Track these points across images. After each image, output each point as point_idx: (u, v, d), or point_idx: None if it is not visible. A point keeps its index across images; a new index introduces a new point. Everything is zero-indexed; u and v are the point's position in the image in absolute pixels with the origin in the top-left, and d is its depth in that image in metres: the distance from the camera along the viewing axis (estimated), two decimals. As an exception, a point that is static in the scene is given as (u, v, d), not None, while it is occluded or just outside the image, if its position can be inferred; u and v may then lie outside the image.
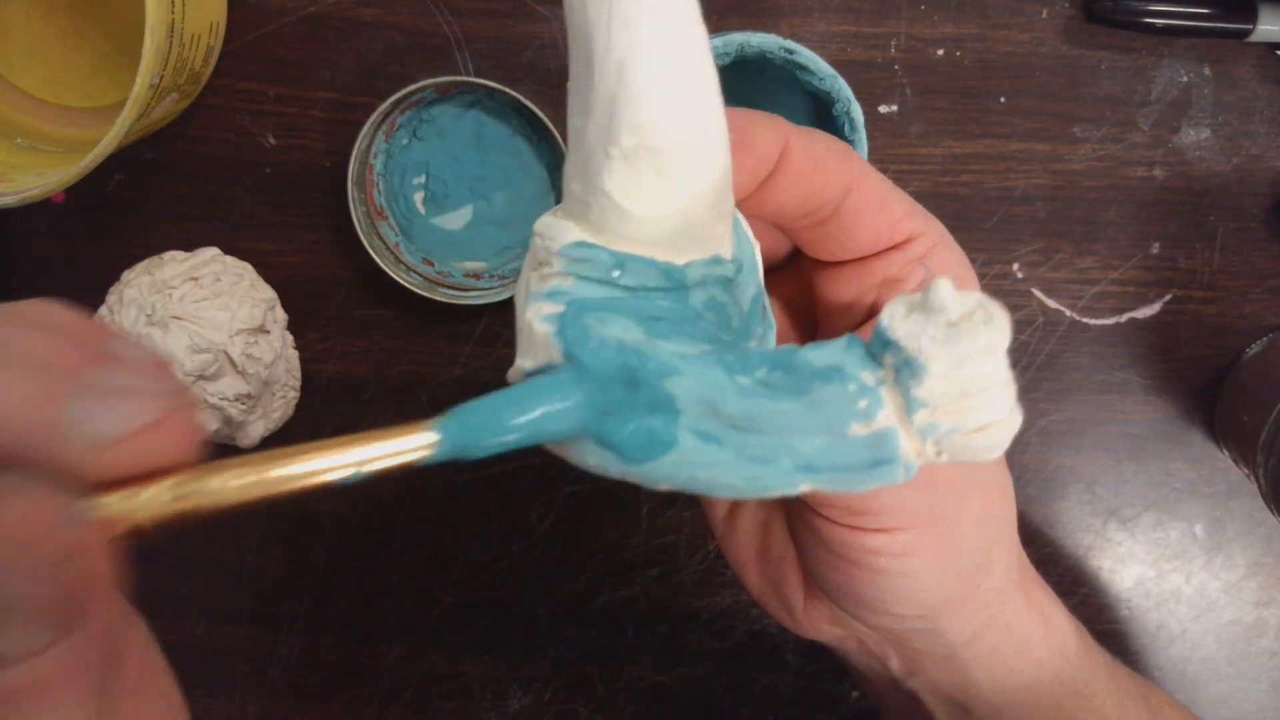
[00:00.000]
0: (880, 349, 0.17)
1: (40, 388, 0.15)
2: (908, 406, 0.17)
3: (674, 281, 0.18)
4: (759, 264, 0.22)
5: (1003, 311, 0.17)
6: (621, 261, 0.18)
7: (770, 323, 0.22)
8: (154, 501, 0.15)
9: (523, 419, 0.17)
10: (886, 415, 0.17)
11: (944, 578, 0.23)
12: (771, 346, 0.21)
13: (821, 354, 0.18)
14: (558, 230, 0.18)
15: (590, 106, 0.17)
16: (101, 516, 0.15)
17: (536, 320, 0.18)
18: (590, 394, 0.17)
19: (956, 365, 0.17)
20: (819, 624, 0.27)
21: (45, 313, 0.17)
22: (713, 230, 0.19)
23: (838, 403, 0.17)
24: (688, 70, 0.17)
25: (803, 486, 0.17)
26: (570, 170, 0.18)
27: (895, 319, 0.17)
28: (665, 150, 0.17)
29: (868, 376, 0.17)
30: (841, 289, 0.24)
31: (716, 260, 0.19)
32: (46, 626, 0.14)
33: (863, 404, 0.17)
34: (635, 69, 0.16)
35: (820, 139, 0.22)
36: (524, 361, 0.18)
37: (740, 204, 0.22)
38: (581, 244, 0.18)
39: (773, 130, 0.21)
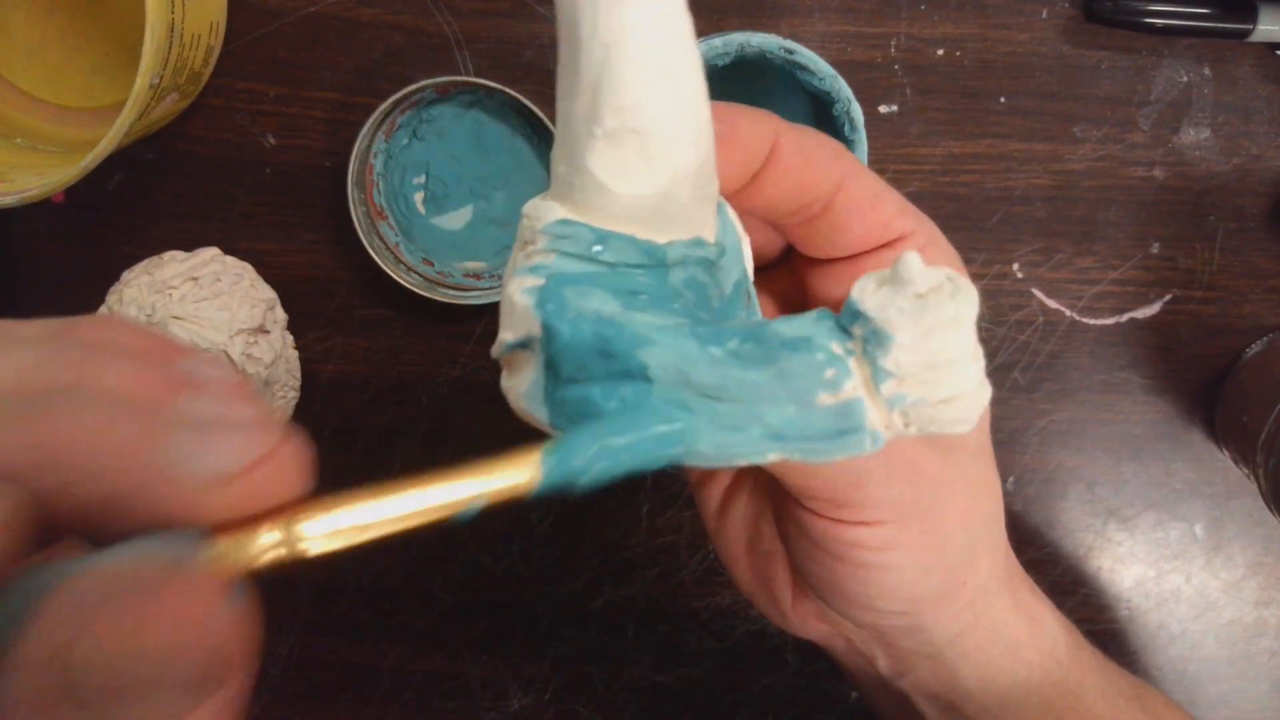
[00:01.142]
0: (850, 320, 0.18)
1: (133, 427, 0.14)
2: (875, 377, 0.17)
3: (654, 259, 0.19)
4: (747, 255, 0.22)
5: (971, 286, 0.17)
6: (603, 238, 0.18)
7: (755, 310, 0.22)
8: (276, 544, 0.15)
9: (627, 454, 0.17)
10: (854, 385, 0.18)
11: (927, 573, 0.23)
12: None
13: (792, 326, 0.18)
14: (543, 210, 0.19)
15: (576, 88, 0.18)
16: (229, 565, 0.15)
17: (518, 293, 0.18)
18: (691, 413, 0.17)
19: (923, 336, 0.17)
20: (807, 621, 0.27)
21: (112, 333, 0.16)
22: (694, 212, 0.19)
23: (805, 372, 0.17)
24: (671, 54, 0.17)
25: (771, 455, 0.18)
26: (557, 152, 0.19)
27: (865, 291, 0.17)
28: (647, 131, 0.17)
29: (836, 347, 0.18)
30: (832, 286, 0.24)
31: (699, 242, 0.19)
32: (193, 697, 0.14)
33: (830, 373, 0.18)
34: (619, 52, 0.17)
35: (812, 136, 0.22)
36: (505, 334, 0.19)
37: (730, 198, 0.22)
38: (565, 221, 0.18)
39: (762, 125, 0.21)
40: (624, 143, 0.17)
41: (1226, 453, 0.45)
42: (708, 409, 0.17)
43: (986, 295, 0.45)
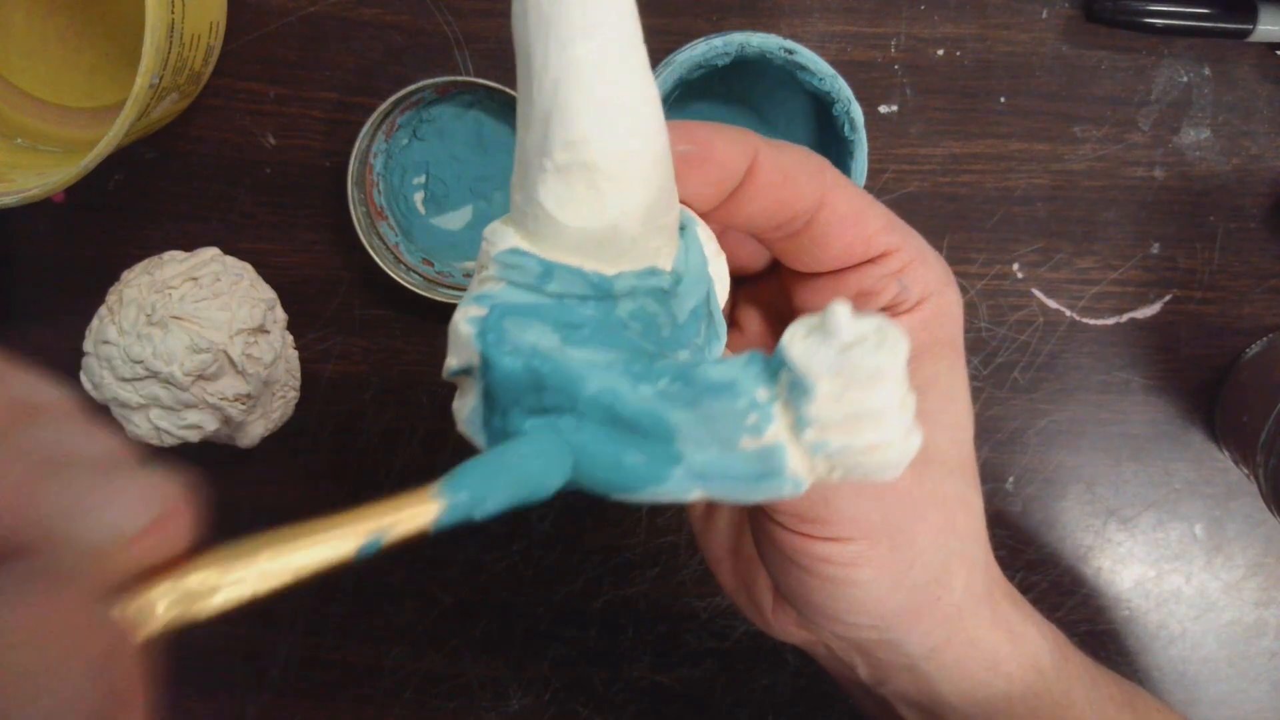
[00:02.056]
0: (777, 366, 0.18)
1: (10, 467, 0.12)
2: (797, 424, 0.18)
3: (600, 291, 0.19)
4: (722, 274, 0.22)
5: (900, 336, 0.17)
6: (549, 270, 0.19)
7: (718, 333, 0.22)
8: (178, 599, 0.14)
9: (518, 484, 0.17)
10: (775, 431, 0.18)
11: (895, 590, 0.23)
12: (717, 357, 0.22)
13: (720, 369, 0.18)
14: (499, 236, 0.19)
15: (530, 119, 0.18)
16: (131, 618, 0.13)
17: (462, 322, 0.19)
18: (571, 444, 0.18)
19: (844, 387, 0.17)
20: (787, 627, 0.28)
21: None
22: (647, 243, 0.19)
23: (728, 417, 0.18)
24: (621, 90, 0.17)
25: (694, 494, 0.18)
26: (514, 180, 0.19)
27: (795, 338, 0.18)
28: (596, 166, 0.18)
29: (761, 393, 0.18)
30: (816, 300, 0.24)
31: (651, 272, 0.20)
32: None
33: (752, 419, 0.18)
34: (569, 87, 0.17)
35: (792, 153, 0.22)
36: (450, 360, 0.19)
37: (708, 215, 0.22)
38: (515, 251, 0.19)
39: (739, 143, 0.21)
40: (573, 176, 0.18)
41: (1226, 453, 0.45)
42: (634, 445, 0.18)
43: (986, 295, 0.45)
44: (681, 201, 0.22)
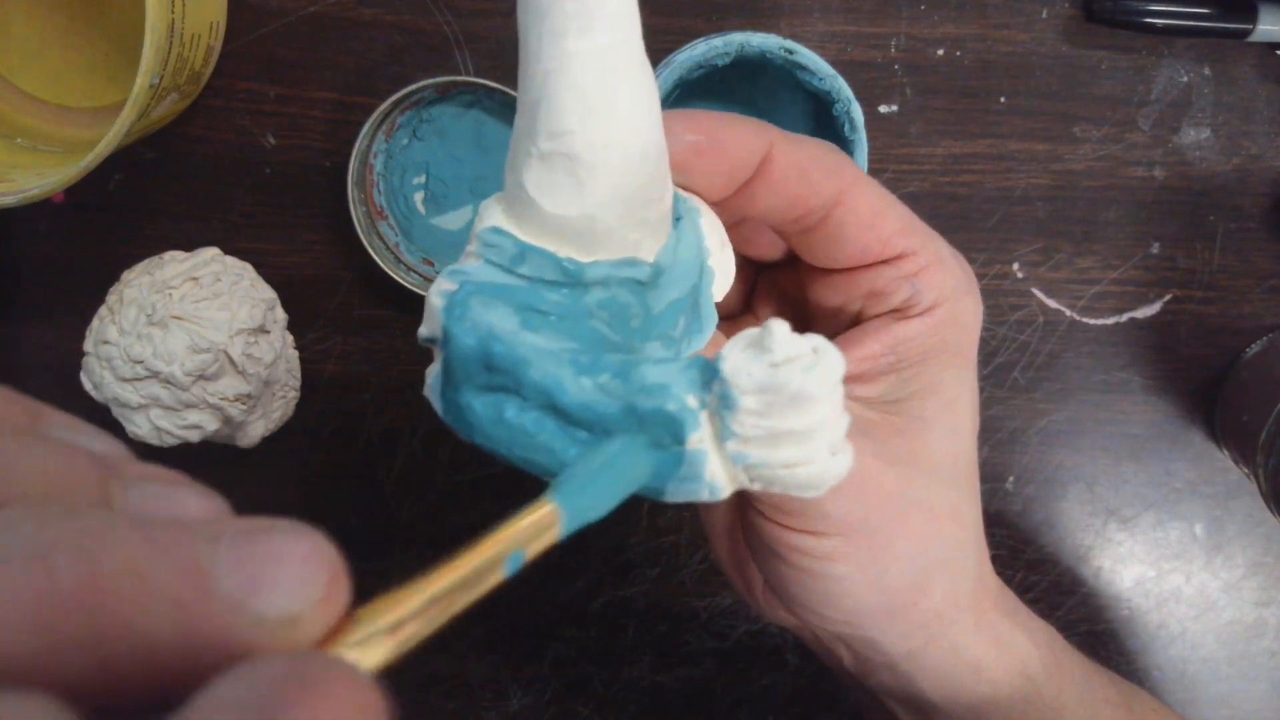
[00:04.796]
0: (711, 376, 0.18)
1: (170, 557, 0.10)
2: (721, 433, 0.18)
3: (571, 278, 0.20)
4: (724, 268, 0.22)
5: (834, 361, 0.17)
6: (524, 252, 0.19)
7: (701, 326, 0.22)
8: (370, 659, 0.13)
9: (618, 481, 0.18)
10: (699, 437, 0.18)
11: (870, 589, 0.23)
12: (698, 349, 0.22)
13: (658, 371, 0.19)
14: (488, 212, 0.20)
15: (522, 106, 0.19)
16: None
17: (434, 294, 0.20)
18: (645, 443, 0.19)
19: (769, 404, 0.17)
20: (776, 611, 0.28)
21: None
22: (626, 235, 0.20)
23: (656, 418, 0.18)
24: (610, 85, 0.18)
25: None
26: (508, 159, 0.20)
27: (733, 350, 0.18)
28: (578, 157, 0.18)
29: (691, 399, 0.18)
30: (829, 295, 0.24)
31: (628, 263, 0.20)
32: None
33: (678, 423, 0.18)
34: (557, 80, 0.18)
35: (811, 148, 0.22)
36: (421, 329, 0.20)
37: (721, 205, 0.22)
38: (497, 230, 0.20)
39: (752, 137, 0.21)
40: (556, 165, 0.18)
41: (1226, 453, 0.45)
42: (569, 433, 0.18)
43: (986, 295, 0.44)
44: (691, 190, 0.22)
